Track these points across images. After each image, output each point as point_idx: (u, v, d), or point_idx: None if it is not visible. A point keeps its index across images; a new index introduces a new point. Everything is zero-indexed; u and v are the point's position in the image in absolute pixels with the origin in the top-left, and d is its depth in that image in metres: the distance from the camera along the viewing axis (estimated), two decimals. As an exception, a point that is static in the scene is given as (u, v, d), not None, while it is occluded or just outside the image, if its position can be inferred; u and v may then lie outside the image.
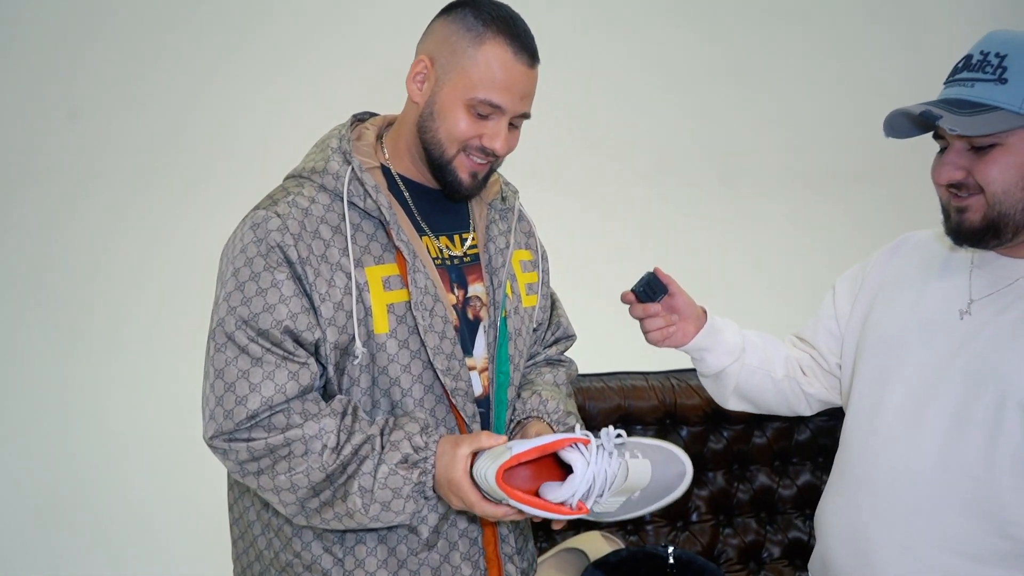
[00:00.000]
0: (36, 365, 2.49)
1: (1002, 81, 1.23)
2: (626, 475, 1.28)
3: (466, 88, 1.31)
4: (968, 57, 1.29)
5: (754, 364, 1.59)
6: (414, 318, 1.34)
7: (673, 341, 1.54)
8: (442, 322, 1.36)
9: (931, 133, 1.34)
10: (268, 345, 1.28)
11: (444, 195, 1.41)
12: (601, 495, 1.26)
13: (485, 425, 1.43)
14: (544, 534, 2.35)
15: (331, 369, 1.32)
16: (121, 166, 2.49)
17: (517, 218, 1.54)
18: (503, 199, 1.53)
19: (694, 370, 1.68)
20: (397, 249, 1.35)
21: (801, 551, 2.51)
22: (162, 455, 2.67)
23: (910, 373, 1.39)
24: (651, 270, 1.51)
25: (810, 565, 1.63)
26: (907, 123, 1.34)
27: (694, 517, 2.47)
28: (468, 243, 1.45)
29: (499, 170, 1.49)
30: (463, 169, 1.36)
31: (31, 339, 2.49)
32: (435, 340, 1.35)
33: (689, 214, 3.00)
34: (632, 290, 1.51)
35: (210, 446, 1.30)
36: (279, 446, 1.26)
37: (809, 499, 2.48)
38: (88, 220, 2.50)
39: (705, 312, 1.57)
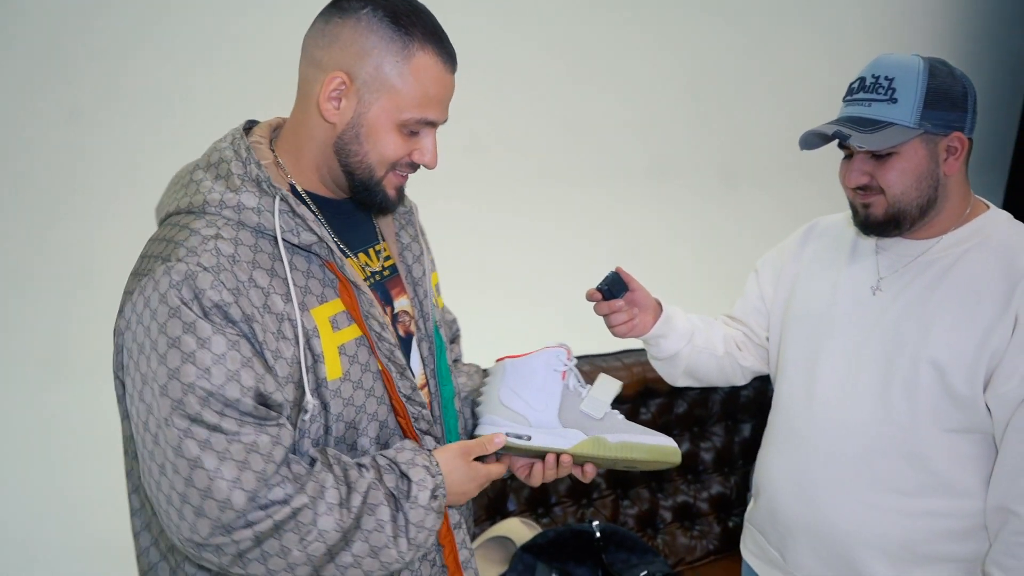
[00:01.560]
0: (25, 369, 2.30)
1: (893, 101, 1.44)
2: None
3: (398, 108, 1.17)
4: (862, 79, 1.49)
5: (701, 345, 1.73)
6: (370, 353, 1.22)
7: (635, 332, 1.66)
8: (391, 350, 1.24)
9: (836, 143, 1.53)
10: (239, 416, 1.09)
11: (374, 211, 1.30)
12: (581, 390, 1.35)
13: (438, 443, 1.35)
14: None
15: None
16: (116, 167, 2.32)
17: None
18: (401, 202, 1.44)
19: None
20: (342, 282, 1.20)
21: (725, 504, 2.68)
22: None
23: (838, 345, 1.58)
24: (613, 270, 1.61)
25: (749, 517, 1.81)
26: (818, 138, 1.52)
27: (595, 495, 2.55)
28: (384, 255, 1.34)
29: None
30: (391, 186, 1.24)
31: (22, 339, 2.31)
32: (396, 372, 1.24)
33: (690, 212, 3.02)
34: (597, 288, 1.60)
35: (201, 546, 1.10)
36: (285, 520, 1.10)
37: (690, 464, 2.68)
38: (84, 221, 2.33)
39: (660, 303, 1.69)
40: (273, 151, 1.24)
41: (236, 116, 1.34)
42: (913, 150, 1.45)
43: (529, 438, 1.33)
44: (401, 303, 1.34)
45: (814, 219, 1.77)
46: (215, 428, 1.08)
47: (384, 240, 1.36)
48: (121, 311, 1.16)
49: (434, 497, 1.20)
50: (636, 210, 2.90)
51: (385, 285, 1.33)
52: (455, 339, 1.61)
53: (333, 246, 1.19)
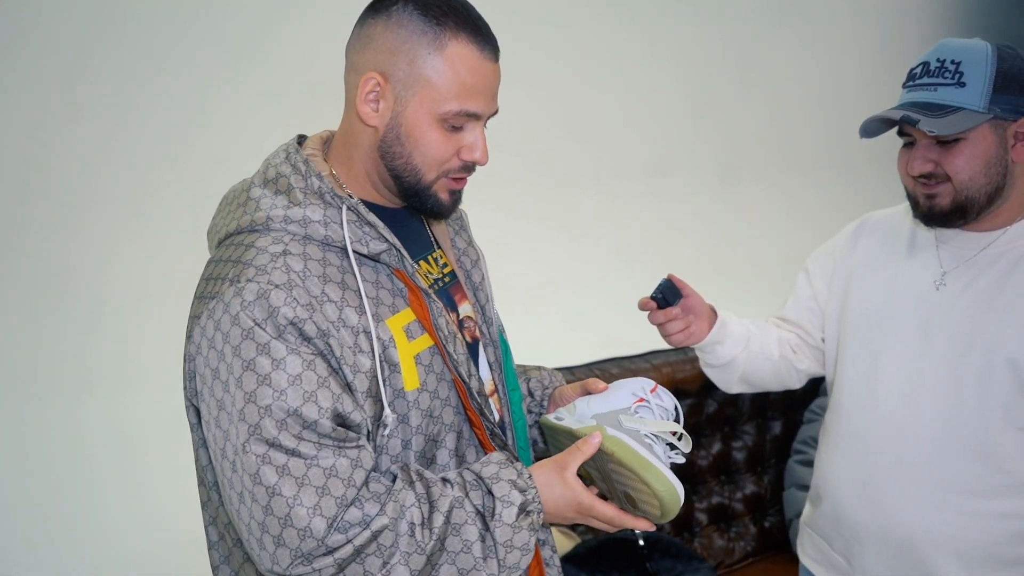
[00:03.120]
0: (44, 373, 2.22)
1: (961, 85, 1.39)
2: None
3: (436, 102, 1.12)
4: (926, 64, 1.44)
5: (756, 349, 1.67)
6: (443, 363, 1.18)
7: (692, 340, 1.60)
8: (465, 359, 1.20)
9: (895, 130, 1.48)
10: (318, 439, 1.05)
11: (430, 216, 1.25)
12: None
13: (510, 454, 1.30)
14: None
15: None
16: (133, 170, 2.25)
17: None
18: None
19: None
20: (412, 291, 1.16)
21: (759, 504, 2.64)
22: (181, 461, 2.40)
23: (901, 343, 1.53)
24: (666, 277, 1.55)
25: (808, 522, 1.73)
26: (878, 125, 1.47)
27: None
28: (441, 262, 1.29)
29: None
30: (443, 191, 1.18)
31: (42, 343, 2.23)
32: (466, 377, 1.19)
33: (690, 210, 2.97)
34: (652, 297, 1.55)
35: None
36: (366, 543, 1.05)
37: (723, 465, 2.63)
38: (101, 226, 2.26)
39: (713, 309, 1.64)
40: (327, 163, 1.21)
41: (269, 125, 1.29)
42: (982, 135, 1.41)
43: (560, 419, 1.28)
44: (464, 309, 1.30)
45: (864, 215, 1.72)
46: (293, 453, 1.04)
47: (440, 247, 1.32)
48: (190, 336, 1.12)
49: (525, 513, 1.12)
50: (635, 209, 2.87)
51: (448, 291, 1.29)
52: None
53: (404, 253, 1.16)
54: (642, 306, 1.56)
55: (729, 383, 1.71)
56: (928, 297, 1.51)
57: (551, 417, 1.31)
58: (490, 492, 1.12)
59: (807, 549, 1.74)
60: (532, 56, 2.55)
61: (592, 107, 2.72)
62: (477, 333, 1.31)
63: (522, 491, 1.13)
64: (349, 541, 1.04)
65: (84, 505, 2.23)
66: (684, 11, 2.80)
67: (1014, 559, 1.47)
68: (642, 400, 1.26)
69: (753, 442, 2.64)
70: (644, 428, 1.23)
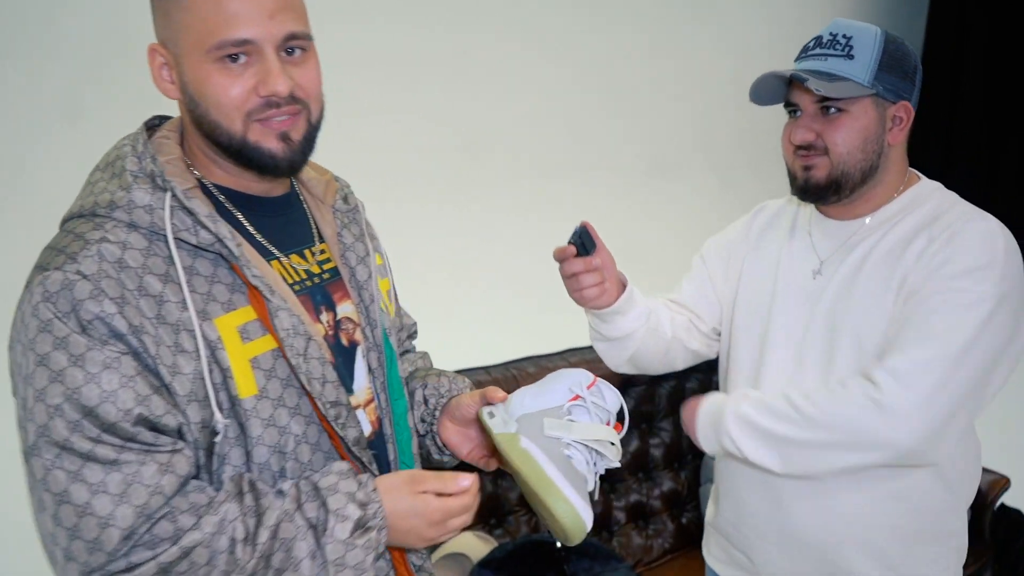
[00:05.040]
0: None
1: (850, 57, 1.42)
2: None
3: (200, 44, 1.02)
4: (819, 37, 1.47)
5: (652, 326, 1.59)
6: (289, 368, 1.08)
7: (603, 300, 1.49)
8: (320, 365, 1.10)
9: (783, 104, 1.50)
10: (120, 442, 0.96)
11: (269, 175, 1.12)
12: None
13: (384, 468, 1.20)
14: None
15: (201, 454, 1.03)
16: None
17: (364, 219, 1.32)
18: (344, 199, 1.28)
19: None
20: (250, 287, 1.07)
21: (677, 500, 2.63)
22: None
23: (783, 332, 1.52)
24: (581, 223, 1.43)
25: (711, 521, 1.71)
26: (770, 90, 1.48)
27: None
28: (320, 257, 1.20)
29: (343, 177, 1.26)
30: (265, 138, 1.06)
31: None
32: (318, 388, 1.09)
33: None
34: (570, 242, 1.43)
35: None
36: (175, 561, 0.96)
37: (641, 462, 2.60)
38: None
39: (622, 277, 1.55)
40: (183, 145, 1.13)
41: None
42: (863, 110, 1.43)
43: (492, 415, 1.20)
44: (344, 309, 1.20)
45: (762, 203, 1.71)
46: (88, 456, 0.95)
47: (325, 241, 1.23)
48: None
49: (362, 530, 1.04)
50: (631, 207, 2.83)
51: (326, 289, 1.19)
52: (411, 336, 1.49)
53: (232, 246, 1.06)
54: (558, 254, 1.45)
55: (619, 360, 1.63)
56: (807, 286, 1.52)
57: (484, 413, 1.22)
58: (324, 504, 1.04)
59: (712, 549, 1.72)
60: (531, 57, 2.49)
61: (587, 107, 2.66)
62: (357, 336, 1.21)
63: (361, 505, 1.05)
64: (155, 558, 0.95)
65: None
66: (678, 15, 2.77)
67: (917, 535, 1.47)
68: (577, 397, 1.18)
69: (671, 439, 2.63)
70: (568, 436, 1.16)
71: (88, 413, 0.95)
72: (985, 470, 2.00)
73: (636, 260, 2.57)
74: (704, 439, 1.48)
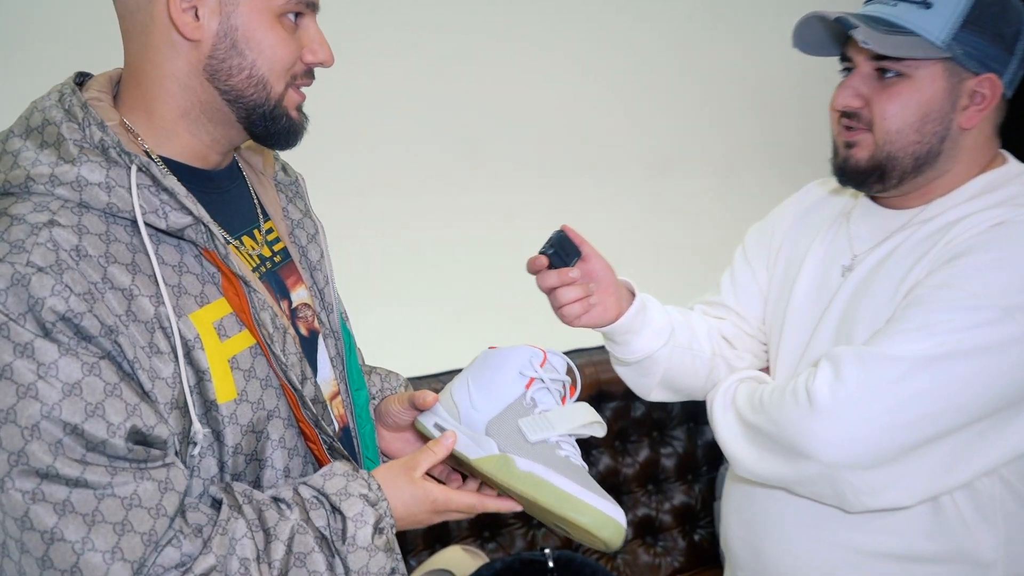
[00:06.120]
0: None
1: (926, 5, 1.11)
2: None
3: None
4: None
5: (683, 342, 1.31)
6: (268, 366, 0.97)
7: (593, 317, 1.24)
8: (298, 361, 0.99)
9: (838, 58, 1.21)
10: (109, 462, 0.83)
11: (279, 146, 1.03)
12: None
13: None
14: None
15: None
16: None
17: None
18: (284, 170, 1.17)
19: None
20: (226, 276, 0.94)
21: (690, 515, 2.46)
22: None
23: (793, 332, 1.29)
24: (559, 228, 1.21)
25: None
26: (818, 37, 1.20)
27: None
28: (269, 237, 1.08)
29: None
30: (292, 107, 0.99)
31: None
32: (298, 384, 0.98)
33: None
34: (542, 252, 1.20)
35: None
36: None
37: (651, 473, 2.43)
38: None
39: (629, 287, 1.29)
40: (117, 110, 0.96)
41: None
42: (930, 78, 1.12)
43: (439, 427, 1.07)
44: (299, 295, 1.08)
45: (814, 180, 1.43)
46: (77, 483, 0.81)
47: (270, 219, 1.09)
48: None
49: (378, 532, 0.95)
50: (633, 206, 2.69)
51: (278, 274, 1.06)
52: None
53: (215, 229, 0.93)
54: (531, 266, 1.21)
55: (647, 387, 1.36)
56: (829, 284, 1.25)
57: (428, 426, 1.09)
58: (337, 510, 0.94)
59: None
60: (531, 55, 2.40)
61: (587, 104, 2.55)
62: (315, 324, 1.09)
63: (374, 504, 0.95)
64: None
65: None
66: (679, 11, 2.65)
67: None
68: (532, 381, 1.06)
69: (684, 448, 2.45)
70: (554, 433, 1.02)
71: (72, 431, 0.81)
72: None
73: (658, 263, 2.43)
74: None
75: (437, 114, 2.27)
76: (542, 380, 1.05)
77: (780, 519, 1.24)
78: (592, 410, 1.08)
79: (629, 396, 2.35)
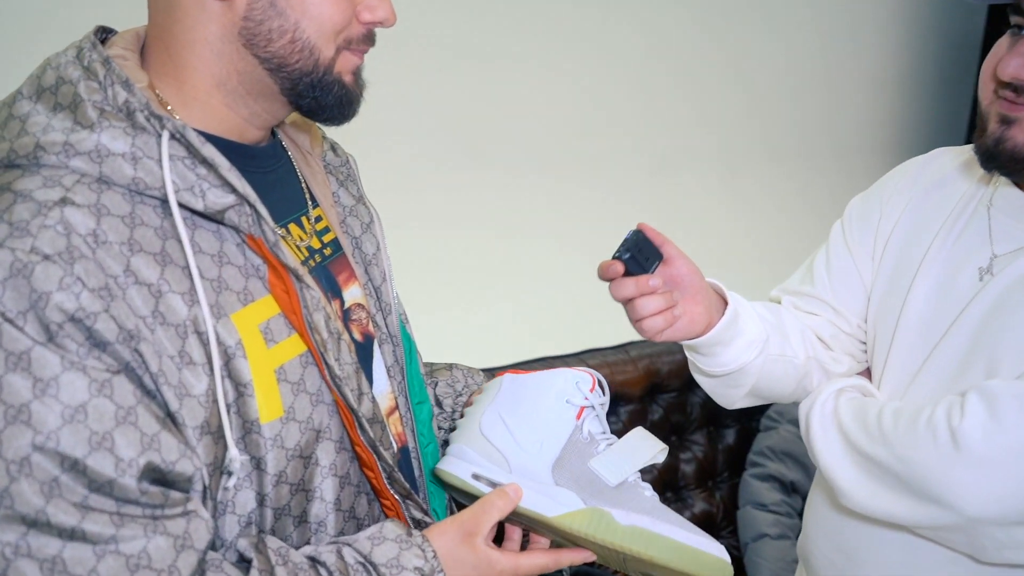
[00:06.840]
0: None
1: None
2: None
3: None
4: None
5: (775, 352, 1.13)
6: (320, 379, 0.83)
7: (678, 331, 1.05)
8: (353, 371, 0.85)
9: (1009, 10, 1.01)
10: (117, 507, 0.69)
11: (332, 120, 0.87)
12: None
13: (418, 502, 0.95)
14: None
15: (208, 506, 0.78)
16: None
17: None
18: (333, 149, 1.02)
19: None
20: (274, 269, 0.80)
21: (711, 524, 2.27)
22: None
23: (901, 355, 1.12)
24: (635, 227, 1.02)
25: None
26: None
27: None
28: (318, 226, 0.93)
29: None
30: (347, 72, 0.84)
31: None
32: (354, 402, 0.84)
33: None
34: (616, 257, 1.00)
35: None
36: None
37: (669, 479, 2.31)
38: None
39: (719, 291, 1.12)
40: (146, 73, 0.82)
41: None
42: None
43: (490, 483, 0.93)
44: (352, 294, 0.93)
45: (942, 147, 1.21)
46: (72, 535, 0.66)
47: (319, 205, 0.94)
48: None
49: None
50: (640, 203, 2.63)
51: (329, 269, 0.92)
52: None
53: (262, 210, 0.79)
54: (604, 273, 1.01)
55: (733, 398, 1.19)
56: (963, 287, 1.07)
57: (463, 477, 0.94)
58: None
59: None
60: (531, 53, 2.33)
61: (590, 102, 2.49)
62: (370, 327, 0.95)
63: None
64: None
65: None
66: (681, 9, 2.58)
67: None
68: (583, 410, 0.93)
69: (704, 453, 2.31)
70: (631, 471, 0.91)
71: (72, 467, 0.67)
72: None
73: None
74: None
75: (437, 114, 2.20)
76: (593, 407, 0.93)
77: (886, 556, 1.09)
78: (648, 433, 0.95)
79: (645, 399, 2.23)
